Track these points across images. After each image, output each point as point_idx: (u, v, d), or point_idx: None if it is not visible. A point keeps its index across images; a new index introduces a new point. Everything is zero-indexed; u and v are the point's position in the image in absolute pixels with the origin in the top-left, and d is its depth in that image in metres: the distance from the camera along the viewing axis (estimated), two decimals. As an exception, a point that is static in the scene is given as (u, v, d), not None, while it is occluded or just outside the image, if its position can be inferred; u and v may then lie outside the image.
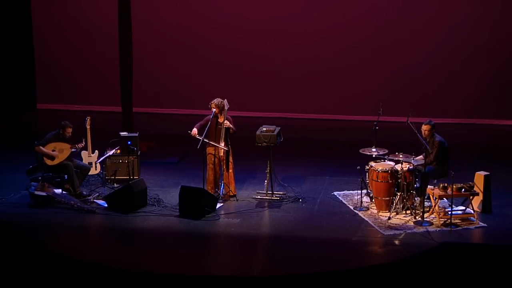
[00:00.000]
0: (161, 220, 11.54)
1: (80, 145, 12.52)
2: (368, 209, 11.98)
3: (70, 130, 12.42)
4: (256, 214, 11.86)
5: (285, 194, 12.54)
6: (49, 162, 12.30)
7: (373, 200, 12.00)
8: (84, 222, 11.58)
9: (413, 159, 11.64)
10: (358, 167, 12.06)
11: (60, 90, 18.85)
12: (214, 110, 12.15)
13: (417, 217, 11.48)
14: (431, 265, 10.15)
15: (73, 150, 12.43)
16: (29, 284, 9.77)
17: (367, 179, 12.10)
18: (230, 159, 12.33)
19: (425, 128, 11.84)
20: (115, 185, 12.84)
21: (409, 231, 11.10)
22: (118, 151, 13.03)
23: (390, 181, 11.69)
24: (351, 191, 12.70)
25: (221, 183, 12.41)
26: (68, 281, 9.81)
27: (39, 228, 11.26)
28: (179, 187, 11.87)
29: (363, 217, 11.68)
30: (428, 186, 11.68)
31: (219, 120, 12.23)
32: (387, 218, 11.54)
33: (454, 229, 11.14)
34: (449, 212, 11.26)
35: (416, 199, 11.75)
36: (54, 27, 18.67)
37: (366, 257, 10.46)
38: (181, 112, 18.18)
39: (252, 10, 18.05)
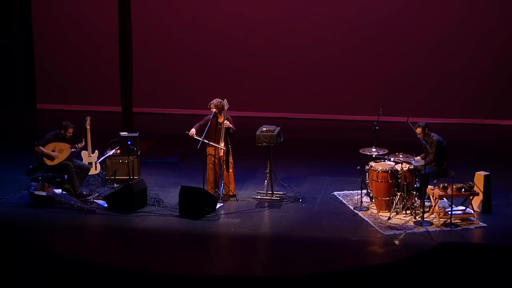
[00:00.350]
0: (161, 220, 11.54)
1: (80, 145, 12.52)
2: (368, 209, 11.98)
3: (71, 130, 12.42)
4: (256, 214, 11.87)
5: (285, 194, 12.54)
6: (49, 162, 12.30)
7: (373, 200, 12.00)
8: (84, 222, 11.58)
9: (413, 160, 11.64)
10: (358, 167, 12.06)
11: (60, 90, 18.84)
12: (213, 110, 12.15)
13: (417, 217, 11.48)
14: (431, 265, 10.15)
15: (73, 150, 12.43)
16: (29, 284, 9.77)
17: (367, 179, 12.09)
18: (230, 159, 12.33)
19: (417, 131, 11.86)
20: (115, 185, 12.84)
21: (409, 231, 11.10)
22: (118, 151, 13.02)
23: (390, 181, 11.69)
24: (351, 191, 12.70)
25: (221, 183, 12.41)
26: (68, 281, 9.80)
27: (39, 228, 11.26)
28: (179, 187, 11.87)
29: (363, 217, 11.68)
30: (428, 186, 11.68)
31: (219, 120, 12.23)
32: (387, 218, 11.54)
33: (454, 229, 11.15)
34: (449, 212, 11.26)
35: (416, 199, 11.74)
36: (54, 27, 18.66)
37: (366, 257, 10.47)
38: (181, 112, 18.17)
39: (252, 10, 18.05)
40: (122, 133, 13.32)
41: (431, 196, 11.62)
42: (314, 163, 14.48)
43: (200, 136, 12.03)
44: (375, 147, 12.18)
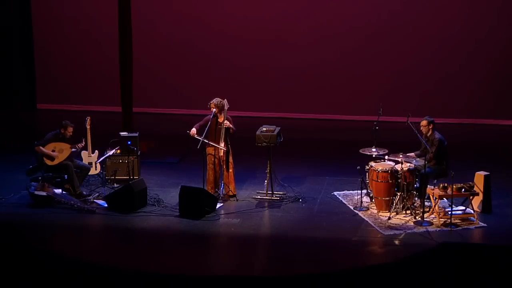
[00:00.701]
0: (161, 220, 11.54)
1: (80, 145, 12.52)
2: (368, 209, 11.98)
3: (71, 129, 12.42)
4: (256, 214, 11.86)
5: (285, 194, 12.54)
6: (49, 162, 12.30)
7: (373, 200, 12.00)
8: (84, 222, 11.58)
9: (414, 159, 11.64)
10: (358, 167, 12.06)
11: (60, 90, 18.84)
12: (214, 110, 12.15)
13: (417, 217, 11.48)
14: (431, 265, 10.15)
15: (73, 150, 12.44)
16: (30, 284, 9.77)
17: (367, 179, 12.10)
18: (230, 159, 12.33)
19: (422, 123, 11.85)
20: (115, 185, 12.84)
21: (409, 231, 11.10)
22: (118, 151, 13.02)
23: (390, 181, 11.69)
24: (351, 191, 12.70)
25: (221, 183, 12.41)
26: (68, 281, 9.80)
27: (39, 228, 11.26)
28: (179, 187, 11.87)
29: (363, 217, 11.68)
30: (428, 186, 11.68)
31: (219, 120, 12.23)
32: (387, 218, 11.54)
33: (454, 229, 11.14)
34: (449, 212, 11.26)
35: (416, 199, 11.75)
36: (54, 27, 18.67)
37: (366, 257, 10.46)
38: (181, 112, 18.17)
39: (252, 10, 18.05)
40: (122, 133, 13.32)
41: (431, 196, 11.62)
42: (314, 163, 14.48)
43: (200, 136, 12.03)
44: (375, 147, 12.18)
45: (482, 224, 11.35)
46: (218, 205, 12.01)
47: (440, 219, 11.35)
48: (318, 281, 9.72)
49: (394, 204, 11.68)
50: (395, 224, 11.33)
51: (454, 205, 11.46)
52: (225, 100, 12.22)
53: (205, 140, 12.03)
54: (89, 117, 12.91)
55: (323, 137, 16.71)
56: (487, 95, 17.70)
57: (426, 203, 11.64)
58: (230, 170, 12.36)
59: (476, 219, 11.42)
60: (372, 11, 17.68)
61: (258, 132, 12.40)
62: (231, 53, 18.24)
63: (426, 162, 11.53)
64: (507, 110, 17.61)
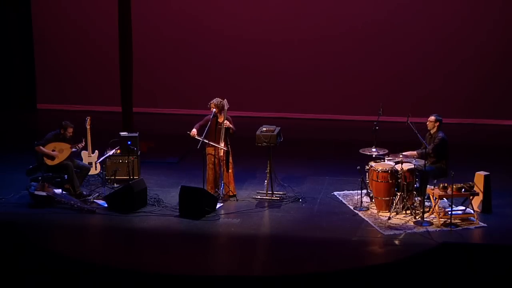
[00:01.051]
0: (161, 220, 11.53)
1: (80, 145, 12.52)
2: (368, 209, 11.98)
3: (71, 130, 12.42)
4: (256, 214, 11.86)
5: (285, 194, 12.54)
6: (49, 162, 12.30)
7: (373, 200, 12.00)
8: (84, 222, 11.58)
9: (414, 159, 11.64)
10: (358, 167, 12.07)
11: (60, 90, 18.85)
12: (213, 110, 12.15)
13: (417, 217, 11.48)
14: (431, 265, 10.15)
15: (73, 150, 12.43)
16: (30, 284, 9.77)
17: (367, 179, 12.09)
18: (230, 159, 12.33)
19: (429, 119, 11.87)
20: (115, 185, 12.84)
21: (409, 231, 11.10)
22: (118, 151, 13.02)
23: (390, 181, 11.69)
24: (351, 191, 12.70)
25: (221, 183, 12.40)
26: (68, 281, 9.80)
27: (39, 228, 11.26)
28: (179, 187, 11.87)
29: (363, 217, 11.68)
30: (428, 186, 11.68)
31: (219, 120, 12.23)
32: (387, 218, 11.54)
33: (454, 229, 11.14)
34: (449, 212, 11.26)
35: (416, 199, 11.74)
36: (54, 27, 18.67)
37: (366, 257, 10.46)
38: (181, 112, 18.18)
39: (252, 10, 18.05)
40: (122, 133, 13.32)
41: (431, 196, 11.62)
42: (314, 163, 14.48)
43: (200, 136, 12.03)
44: (375, 147, 12.18)
45: (482, 224, 11.35)
46: (218, 205, 12.01)
47: (440, 219, 11.35)
48: (318, 281, 9.72)
49: (394, 204, 11.68)
50: (395, 224, 11.33)
51: (454, 205, 11.46)
52: (225, 100, 12.22)
53: (205, 140, 12.03)
54: (89, 117, 12.91)
55: (323, 137, 16.71)
56: (487, 95, 17.70)
57: (426, 203, 11.64)
58: (230, 170, 12.36)
59: (476, 219, 11.42)
60: (372, 11, 17.68)
61: (258, 132, 12.40)
62: (231, 53, 18.24)
63: (426, 162, 11.53)
64: (507, 110, 17.61)
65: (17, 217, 11.56)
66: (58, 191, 12.19)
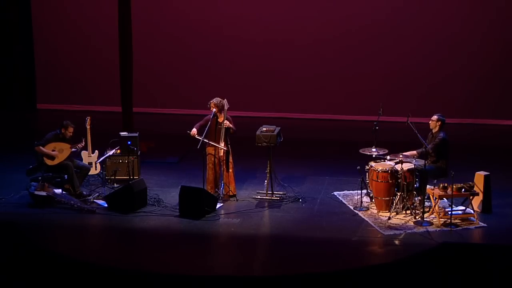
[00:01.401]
0: (161, 220, 11.53)
1: (80, 145, 12.52)
2: (368, 209, 11.98)
3: (71, 129, 12.42)
4: (256, 214, 11.86)
5: (285, 194, 12.54)
6: (49, 162, 12.30)
7: (373, 200, 12.00)
8: (84, 222, 11.58)
9: (414, 159, 11.64)
10: (358, 167, 12.07)
11: (60, 90, 18.85)
12: (213, 109, 12.15)
13: (417, 217, 11.48)
14: (431, 265, 10.15)
15: (73, 150, 12.44)
16: (30, 284, 9.77)
17: (367, 179, 12.10)
18: (230, 159, 12.33)
19: (432, 118, 11.87)
20: (115, 185, 12.84)
21: (409, 231, 11.10)
22: (118, 151, 13.02)
23: (390, 181, 11.69)
24: (351, 191, 12.70)
25: (221, 183, 12.40)
26: (68, 281, 9.81)
27: (39, 228, 11.26)
28: (179, 187, 11.87)
29: (363, 217, 11.68)
30: (428, 186, 11.68)
31: (219, 120, 12.23)
32: (387, 218, 11.54)
33: (454, 229, 11.14)
34: (449, 212, 11.26)
35: (416, 199, 11.74)
36: (54, 27, 18.67)
37: (366, 257, 10.46)
38: (181, 112, 18.18)
39: (252, 10, 18.05)
40: (122, 133, 13.32)
41: (431, 196, 11.62)
42: (314, 163, 14.48)
43: (200, 136, 12.03)
44: (375, 147, 12.18)
45: (482, 224, 11.35)
46: (218, 205, 12.01)
47: (440, 219, 11.35)
48: (318, 281, 9.72)
49: (394, 204, 11.68)
50: (395, 224, 11.33)
51: (454, 205, 11.46)
52: (225, 100, 12.22)
53: (205, 140, 12.02)
54: (89, 117, 12.91)
55: (323, 137, 16.71)
56: (487, 95, 17.70)
57: (426, 203, 11.64)
58: (230, 170, 12.36)
59: (476, 219, 11.42)
60: (372, 11, 17.68)
61: (258, 132, 12.40)
62: (231, 53, 18.24)
63: (426, 162, 11.53)
64: (507, 110, 17.61)
65: (17, 217, 11.55)
66: (58, 191, 12.19)
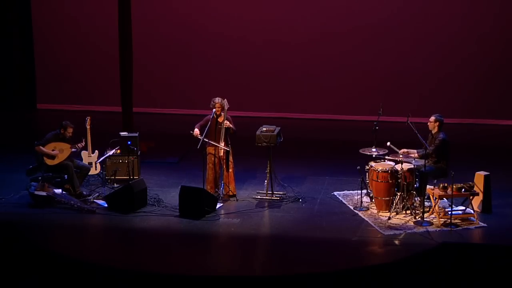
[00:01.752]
0: (161, 220, 11.53)
1: (80, 145, 12.52)
2: (368, 209, 11.98)
3: (71, 130, 12.42)
4: (256, 214, 11.86)
5: (285, 194, 12.54)
6: (49, 162, 12.30)
7: (373, 200, 12.00)
8: (84, 222, 11.58)
9: (414, 159, 11.63)
10: (358, 167, 12.07)
11: (60, 90, 18.84)
12: (214, 110, 12.15)
13: (417, 217, 11.48)
14: (431, 265, 10.15)
15: (73, 150, 12.43)
16: (30, 284, 9.77)
17: (367, 179, 12.09)
18: (231, 158, 12.33)
19: (429, 119, 11.85)
20: (115, 185, 12.84)
21: (409, 231, 11.10)
22: (118, 151, 13.02)
23: (390, 181, 11.69)
24: (351, 191, 12.70)
25: (221, 183, 12.40)
26: (68, 281, 9.81)
27: (39, 228, 11.25)
28: (179, 187, 11.87)
29: (363, 217, 11.68)
30: (428, 186, 11.68)
31: (219, 120, 12.22)
32: (387, 218, 11.54)
33: (454, 229, 11.14)
34: (449, 212, 11.26)
35: (416, 199, 11.74)
36: (54, 27, 18.67)
37: (366, 257, 10.46)
38: (181, 112, 18.18)
39: (252, 10, 18.05)
40: (122, 133, 13.32)
41: (431, 196, 11.62)
42: (314, 163, 14.48)
43: (201, 136, 12.02)
44: (375, 147, 12.18)
45: (482, 224, 11.35)
46: (218, 205, 12.01)
47: (440, 219, 11.35)
48: (318, 281, 9.72)
49: (394, 204, 11.68)
50: (395, 224, 11.33)
51: (454, 205, 11.46)
52: (225, 100, 12.22)
53: (205, 140, 12.02)
54: (89, 117, 12.91)
55: (323, 137, 16.71)
56: (487, 95, 17.70)
57: (426, 203, 11.64)
58: (230, 170, 12.36)
59: (476, 219, 11.42)
60: (372, 11, 17.68)
61: (258, 132, 12.40)
62: (231, 53, 18.24)
63: (425, 162, 11.52)
64: (507, 110, 17.61)
65: (17, 217, 11.56)
66: (58, 191, 12.19)
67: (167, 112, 18.43)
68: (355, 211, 11.92)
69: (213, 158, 12.27)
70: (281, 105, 18.08)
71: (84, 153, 12.84)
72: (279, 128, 12.59)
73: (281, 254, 10.49)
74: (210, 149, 12.28)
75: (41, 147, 12.27)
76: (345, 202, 12.30)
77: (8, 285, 9.75)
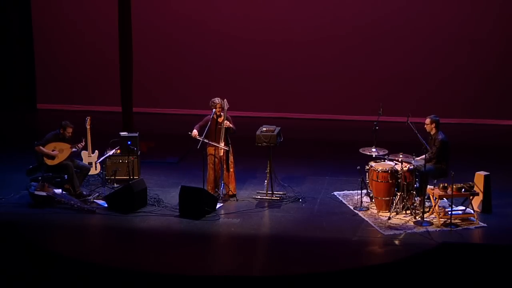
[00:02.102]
0: (161, 220, 11.53)
1: (80, 145, 12.52)
2: (368, 209, 11.98)
3: (70, 130, 12.42)
4: (256, 214, 11.86)
5: (285, 194, 12.54)
6: (49, 162, 12.30)
7: (373, 200, 12.00)
8: (84, 222, 11.58)
9: (413, 159, 11.63)
10: (358, 167, 12.06)
11: (60, 90, 18.85)
12: (214, 110, 12.15)
13: (417, 217, 11.48)
14: (431, 265, 10.15)
15: (73, 150, 12.43)
16: (30, 284, 9.77)
17: (367, 179, 12.09)
18: (231, 158, 12.34)
19: (425, 121, 11.84)
20: (115, 185, 12.84)
21: (409, 231, 11.10)
22: (118, 151, 13.02)
23: (390, 181, 11.69)
24: (351, 191, 12.70)
25: (221, 183, 12.40)
26: (68, 281, 9.80)
27: (39, 228, 11.25)
28: (179, 187, 11.87)
29: (363, 217, 11.68)
30: (428, 186, 11.68)
31: (219, 120, 12.22)
32: (387, 218, 11.54)
33: (454, 229, 11.15)
34: (449, 212, 11.26)
35: (416, 199, 11.74)
36: (54, 27, 18.67)
37: (366, 257, 10.46)
38: (181, 112, 18.18)
39: (252, 10, 18.05)
40: (122, 133, 13.32)
41: (431, 196, 11.62)
42: (314, 163, 14.48)
43: (200, 137, 12.02)
44: (375, 147, 12.18)
45: (482, 224, 11.35)
46: (218, 205, 12.01)
47: (440, 219, 11.35)
48: (318, 281, 9.72)
49: (394, 204, 11.68)
50: (395, 224, 11.33)
51: (454, 205, 11.46)
52: (225, 100, 12.22)
53: (205, 140, 12.02)
54: (89, 117, 12.91)
55: (323, 137, 16.71)
56: (487, 95, 17.70)
57: (426, 203, 11.64)
58: (231, 170, 12.36)
59: (476, 219, 11.42)
60: (372, 12, 17.68)
61: (258, 132, 12.40)
62: (231, 53, 18.24)
63: (425, 162, 11.52)
64: (507, 110, 17.61)
65: (17, 217, 11.55)
66: (58, 191, 12.19)
67: (167, 112, 18.43)
68: (355, 211, 11.92)
69: (213, 158, 12.27)
70: (281, 105, 18.08)
71: (84, 153, 12.84)
72: (279, 128, 12.59)
73: (281, 254, 10.49)
74: (210, 150, 12.28)
75: (41, 147, 12.27)
76: (345, 202, 12.30)
77: (8, 285, 9.75)
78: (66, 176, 12.34)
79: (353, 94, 17.95)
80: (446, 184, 11.39)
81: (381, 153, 12.12)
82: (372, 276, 9.91)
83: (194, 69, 18.37)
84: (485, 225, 11.34)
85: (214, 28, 18.16)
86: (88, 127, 12.77)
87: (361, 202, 12.06)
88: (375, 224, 11.36)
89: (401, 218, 11.53)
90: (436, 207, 11.43)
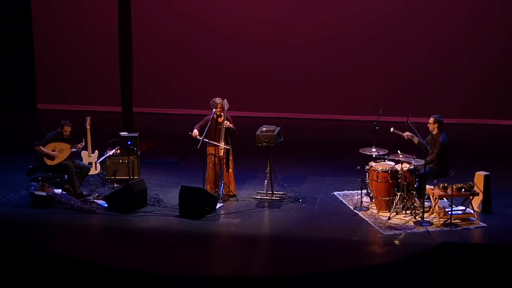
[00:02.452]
0: (161, 220, 11.53)
1: (80, 145, 12.52)
2: (368, 209, 11.98)
3: (68, 129, 12.41)
4: (256, 214, 11.86)
5: (285, 194, 12.54)
6: (49, 162, 12.30)
7: (373, 200, 12.00)
8: (84, 222, 11.58)
9: (413, 159, 11.63)
10: (358, 167, 12.06)
11: (60, 90, 18.85)
12: (214, 110, 12.15)
13: (417, 217, 11.48)
14: (431, 265, 10.15)
15: (73, 150, 12.43)
16: (29, 284, 9.77)
17: (367, 179, 12.09)
18: (231, 158, 12.34)
19: (429, 121, 11.84)
20: (115, 185, 12.84)
21: (409, 231, 11.10)
22: (118, 151, 13.02)
23: (390, 181, 11.69)
24: (351, 191, 12.70)
25: (221, 183, 12.40)
26: (68, 281, 9.81)
27: (39, 228, 11.25)
28: (179, 187, 11.87)
29: (363, 217, 11.68)
30: (428, 186, 11.68)
31: (219, 120, 12.22)
32: (387, 218, 11.54)
33: (454, 229, 11.14)
34: (449, 212, 11.26)
35: (416, 199, 11.74)
36: (54, 27, 18.67)
37: (366, 257, 10.46)
38: (181, 112, 18.18)
39: (252, 10, 18.05)
40: (122, 133, 13.32)
41: (431, 196, 11.62)
42: (314, 163, 14.48)
43: (200, 137, 12.02)
44: (375, 147, 12.18)
45: (482, 224, 11.35)
46: (218, 205, 12.01)
47: (440, 219, 11.35)
48: (318, 281, 9.72)
49: (394, 204, 11.68)
50: (395, 224, 11.33)
51: (454, 205, 11.46)
52: (225, 100, 12.22)
53: (205, 140, 12.02)
54: (89, 117, 12.91)
55: (323, 137, 16.71)
56: (487, 95, 17.70)
57: (426, 203, 11.64)
58: (230, 170, 12.36)
59: (476, 219, 11.42)
60: (372, 12, 17.68)
61: (258, 132, 12.40)
62: (231, 53, 18.24)
63: (425, 162, 11.52)
64: (507, 110, 17.61)
65: (17, 217, 11.55)
66: (58, 191, 12.19)
67: (167, 112, 18.43)
68: (355, 211, 11.92)
69: (213, 158, 12.27)
70: (281, 105, 18.08)
71: (84, 153, 12.84)
72: (279, 128, 12.59)
73: (281, 254, 10.49)
74: (210, 149, 12.28)
75: (41, 147, 12.27)
76: (345, 202, 12.30)
77: (8, 285, 9.75)
78: (66, 176, 12.34)
79: (353, 94, 17.95)
80: (446, 184, 11.39)
81: (381, 153, 12.12)
82: (372, 276, 9.91)
83: (194, 69, 18.37)
84: (485, 225, 11.34)
85: (214, 28, 18.16)
86: (88, 127, 12.77)
87: (361, 202, 12.06)
88: (375, 224, 11.36)
89: (401, 218, 11.52)
90: (436, 207, 11.43)
